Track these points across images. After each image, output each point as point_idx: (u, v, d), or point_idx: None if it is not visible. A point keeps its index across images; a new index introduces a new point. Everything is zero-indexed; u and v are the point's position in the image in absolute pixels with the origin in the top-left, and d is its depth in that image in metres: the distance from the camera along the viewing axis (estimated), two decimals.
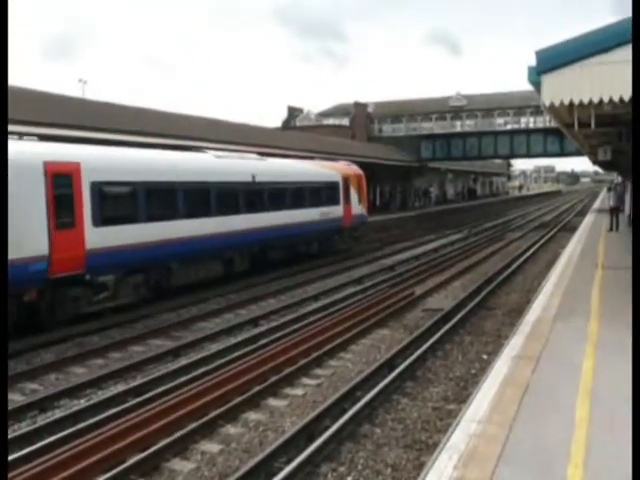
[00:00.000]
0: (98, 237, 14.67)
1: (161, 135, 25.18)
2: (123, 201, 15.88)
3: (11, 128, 15.44)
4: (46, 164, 13.66)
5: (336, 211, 26.98)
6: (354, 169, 29.94)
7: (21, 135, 14.90)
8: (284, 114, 61.25)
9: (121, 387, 10.26)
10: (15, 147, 12.96)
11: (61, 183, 13.99)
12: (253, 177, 21.16)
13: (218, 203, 19.21)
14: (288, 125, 57.86)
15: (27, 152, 13.60)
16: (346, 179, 28.06)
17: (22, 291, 13.04)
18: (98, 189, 14.82)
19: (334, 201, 26.93)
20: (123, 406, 9.07)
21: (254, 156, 23.57)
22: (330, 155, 36.17)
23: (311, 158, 29.73)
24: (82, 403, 9.57)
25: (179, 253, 17.47)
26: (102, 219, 14.86)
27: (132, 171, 16.21)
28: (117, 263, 15.37)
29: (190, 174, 18.35)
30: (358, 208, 29.06)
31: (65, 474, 6.83)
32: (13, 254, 11.81)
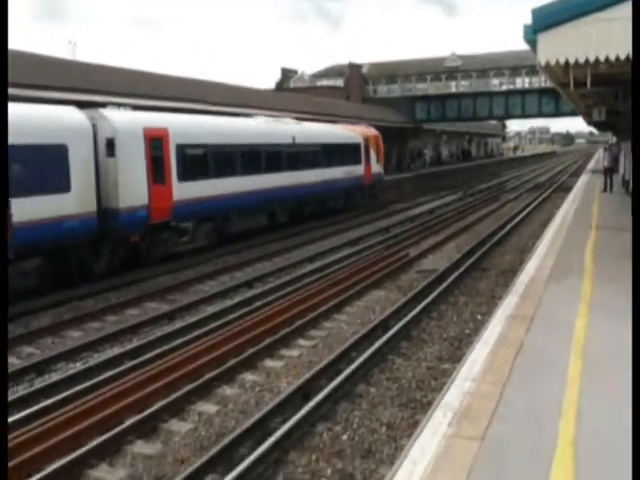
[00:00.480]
0: (181, 191, 17.77)
1: (155, 97, 24.83)
2: (198, 160, 18.94)
3: (26, 92, 17.68)
4: (145, 130, 16.63)
5: (358, 170, 29.87)
6: (373, 131, 32.43)
7: (119, 105, 17.71)
8: (278, 75, 60.53)
9: (117, 350, 10.31)
10: (121, 116, 16.35)
11: (155, 146, 16.98)
12: (293, 139, 24.19)
13: (266, 162, 22.30)
14: (282, 87, 57.15)
15: (132, 120, 16.58)
16: (367, 140, 30.78)
17: (130, 235, 16.28)
18: (181, 151, 17.91)
19: (357, 161, 29.75)
20: (119, 369, 9.14)
21: (292, 120, 26.94)
22: (325, 117, 35.95)
23: (332, 121, 32.77)
24: (78, 366, 9.62)
25: (237, 205, 20.39)
26: (184, 176, 17.91)
27: (205, 135, 19.30)
28: (194, 212, 18.44)
29: (246, 137, 21.41)
30: (376, 167, 31.84)
31: (63, 435, 6.91)
32: (126, 203, 15.71)
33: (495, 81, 52.89)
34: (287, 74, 59.42)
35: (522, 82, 51.67)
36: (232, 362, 9.34)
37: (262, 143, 22.12)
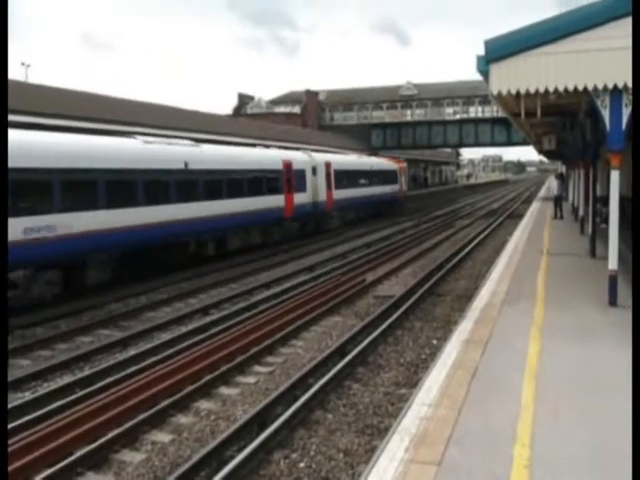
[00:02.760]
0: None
1: (112, 122, 24.62)
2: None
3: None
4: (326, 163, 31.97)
5: (395, 188, 43.57)
6: (401, 162, 47.43)
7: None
8: (235, 101, 60.65)
9: (68, 379, 10.03)
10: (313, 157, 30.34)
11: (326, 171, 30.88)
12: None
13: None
14: (239, 112, 57.31)
15: (319, 157, 31.14)
16: (400, 168, 44.99)
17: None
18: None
19: (394, 182, 43.81)
20: (70, 398, 8.88)
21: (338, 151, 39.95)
22: (283, 143, 36.22)
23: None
24: (27, 395, 9.33)
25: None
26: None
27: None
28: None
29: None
30: (404, 186, 46.46)
31: (10, 468, 6.65)
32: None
33: (449, 110, 54.13)
34: (244, 100, 59.67)
35: (475, 111, 53.02)
36: (187, 390, 9.18)
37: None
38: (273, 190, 26.20)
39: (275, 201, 26.24)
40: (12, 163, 10.63)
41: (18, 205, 13.77)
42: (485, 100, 47.59)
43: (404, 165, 48.02)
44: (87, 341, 12.52)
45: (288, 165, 27.67)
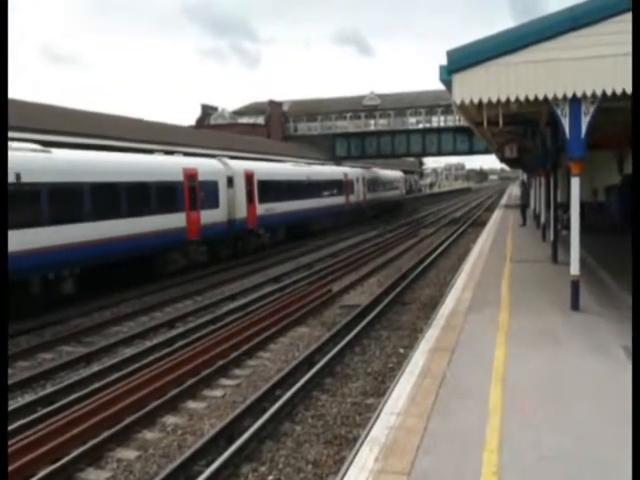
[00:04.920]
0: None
1: (74, 134, 24.17)
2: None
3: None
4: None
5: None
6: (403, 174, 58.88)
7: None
8: (198, 112, 60.28)
9: (29, 397, 9.77)
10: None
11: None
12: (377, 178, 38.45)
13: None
14: (202, 124, 56.95)
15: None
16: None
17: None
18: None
19: (398, 189, 54.15)
20: (32, 417, 8.64)
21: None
22: (247, 154, 36.16)
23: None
24: None
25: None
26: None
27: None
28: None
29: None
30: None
31: None
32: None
33: (412, 119, 54.57)
34: (207, 111, 59.31)
35: (438, 121, 53.56)
36: (153, 405, 9.02)
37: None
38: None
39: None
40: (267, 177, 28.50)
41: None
42: (448, 110, 48.07)
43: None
44: (49, 358, 12.24)
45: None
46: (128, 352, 12.11)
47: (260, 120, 58.45)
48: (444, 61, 9.87)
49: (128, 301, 17.42)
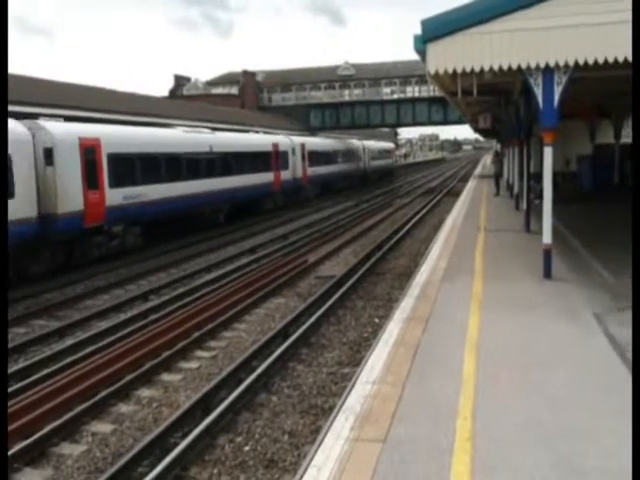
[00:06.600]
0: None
1: (50, 105, 23.49)
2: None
3: None
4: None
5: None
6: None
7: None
8: (170, 83, 59.34)
9: None
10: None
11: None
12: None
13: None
14: (175, 94, 56.09)
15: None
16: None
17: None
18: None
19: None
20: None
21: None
22: (220, 125, 35.75)
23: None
24: None
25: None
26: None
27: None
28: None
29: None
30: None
31: None
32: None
33: (387, 90, 54.33)
34: (180, 82, 58.41)
35: (413, 91, 53.40)
36: (128, 378, 8.98)
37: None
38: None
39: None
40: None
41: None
42: (422, 80, 47.89)
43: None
44: (21, 332, 12.10)
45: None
46: (102, 325, 12.00)
47: (234, 90, 57.75)
48: (419, 31, 9.79)
49: (103, 274, 17.24)
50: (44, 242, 16.68)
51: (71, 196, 17.54)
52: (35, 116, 18.23)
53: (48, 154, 16.92)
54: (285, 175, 34.69)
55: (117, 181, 19.47)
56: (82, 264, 17.99)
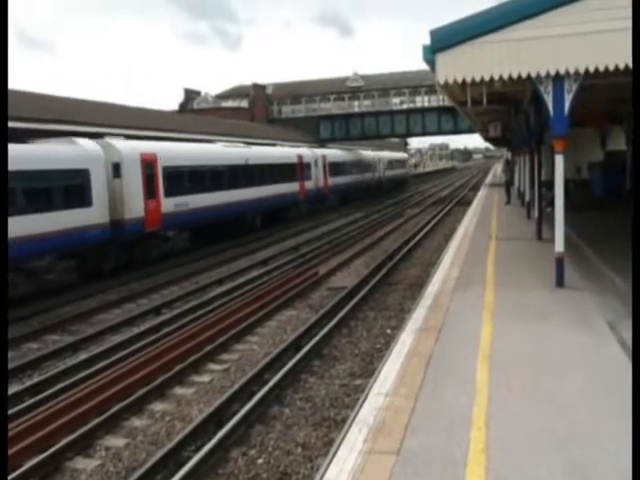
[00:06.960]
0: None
1: (61, 121, 23.70)
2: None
3: None
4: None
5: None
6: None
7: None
8: (180, 97, 59.69)
9: (16, 387, 9.69)
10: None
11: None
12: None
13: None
14: (185, 108, 56.43)
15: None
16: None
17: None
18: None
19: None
20: (18, 407, 8.59)
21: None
22: (232, 137, 35.93)
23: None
24: None
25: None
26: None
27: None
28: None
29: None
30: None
31: None
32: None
33: (396, 100, 54.35)
34: (190, 95, 58.76)
35: (422, 101, 53.38)
36: (140, 392, 8.99)
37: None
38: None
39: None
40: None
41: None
42: (431, 89, 47.88)
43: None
44: (35, 347, 12.15)
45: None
46: (115, 339, 12.04)
47: (244, 103, 57.99)
48: (428, 41, 9.80)
49: (115, 288, 17.31)
50: (112, 244, 19.04)
51: (134, 204, 19.99)
52: (94, 135, 20.91)
53: (116, 168, 19.45)
54: (309, 185, 37.10)
55: (170, 191, 21.87)
56: (143, 263, 20.42)
